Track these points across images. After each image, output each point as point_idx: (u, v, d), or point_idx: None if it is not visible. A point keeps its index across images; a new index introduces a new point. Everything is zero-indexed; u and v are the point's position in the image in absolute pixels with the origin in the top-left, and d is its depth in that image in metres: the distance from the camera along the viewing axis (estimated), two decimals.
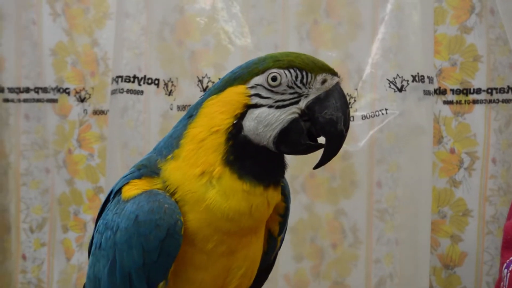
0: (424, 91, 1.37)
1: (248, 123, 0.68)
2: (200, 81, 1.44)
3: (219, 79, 0.74)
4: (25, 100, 1.66)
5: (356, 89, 1.41)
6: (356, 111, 1.39)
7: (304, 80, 0.67)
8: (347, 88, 1.43)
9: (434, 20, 1.43)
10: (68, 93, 1.64)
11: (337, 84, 0.69)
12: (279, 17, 1.47)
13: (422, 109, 1.38)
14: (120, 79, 1.44)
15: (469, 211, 1.49)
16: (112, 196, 0.76)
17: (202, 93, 1.43)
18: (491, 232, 1.48)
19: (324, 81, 0.68)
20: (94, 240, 0.77)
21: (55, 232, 1.68)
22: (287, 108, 0.67)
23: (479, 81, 1.49)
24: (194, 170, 0.67)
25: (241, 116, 0.68)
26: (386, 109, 1.37)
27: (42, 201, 1.68)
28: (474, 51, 1.49)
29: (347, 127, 0.68)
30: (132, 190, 0.71)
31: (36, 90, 1.65)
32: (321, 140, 0.71)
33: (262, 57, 0.71)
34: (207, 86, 1.44)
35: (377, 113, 1.38)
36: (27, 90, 1.66)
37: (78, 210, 1.65)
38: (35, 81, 1.65)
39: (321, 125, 0.67)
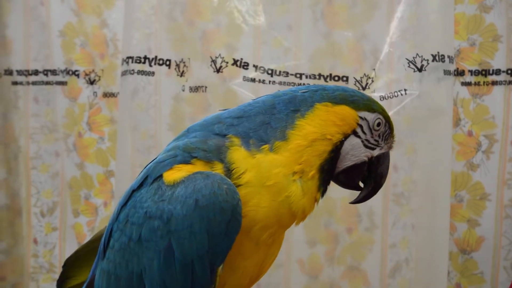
0: (444, 71, 1.33)
1: (347, 145, 0.74)
2: (214, 61, 1.42)
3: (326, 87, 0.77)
4: (34, 83, 1.64)
5: (374, 69, 1.38)
6: (374, 92, 1.36)
7: (387, 137, 0.78)
8: (363, 69, 1.40)
9: None
10: (78, 76, 1.62)
11: None
12: None
13: (442, 89, 1.34)
14: (130, 60, 1.42)
15: (486, 195, 1.46)
16: (147, 182, 0.71)
17: (216, 74, 1.42)
18: (509, 216, 1.45)
19: (392, 143, 0.79)
20: (120, 234, 0.71)
21: (66, 216, 1.67)
22: (368, 149, 0.76)
23: (499, 61, 1.45)
24: (294, 166, 0.70)
25: (346, 136, 0.74)
26: (405, 90, 1.34)
27: (53, 185, 1.67)
28: (493, 31, 1.44)
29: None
30: (176, 173, 0.68)
31: (45, 72, 1.63)
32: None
33: (371, 98, 0.78)
34: (220, 67, 1.41)
35: (395, 93, 1.35)
36: (35, 72, 1.63)
37: (89, 194, 1.64)
38: (44, 63, 1.63)
39: (376, 175, 0.78)
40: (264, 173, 0.68)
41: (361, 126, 0.75)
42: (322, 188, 0.73)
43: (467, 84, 1.47)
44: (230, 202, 0.64)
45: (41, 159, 1.67)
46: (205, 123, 0.75)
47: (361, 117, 0.75)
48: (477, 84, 1.46)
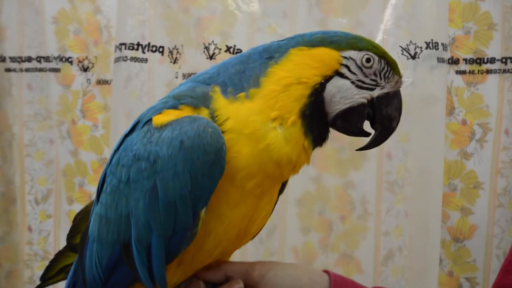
0: (438, 58, 1.33)
1: (331, 88, 0.70)
2: (207, 48, 1.41)
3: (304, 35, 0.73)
4: (27, 70, 1.63)
5: None
6: None
7: (387, 74, 0.72)
8: None
9: None
10: (71, 62, 1.61)
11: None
12: None
13: (436, 77, 1.34)
14: (123, 47, 1.41)
15: (480, 184, 1.47)
16: (138, 126, 0.73)
17: (209, 60, 1.42)
18: (502, 205, 1.45)
19: (397, 82, 0.73)
20: (112, 177, 0.73)
21: (61, 203, 1.67)
22: (363, 91, 0.71)
23: (493, 50, 1.44)
24: (270, 113, 0.69)
25: (327, 79, 0.71)
26: None
27: (47, 172, 1.67)
28: (488, 19, 1.43)
29: (396, 126, 0.75)
30: (164, 117, 0.70)
31: (39, 59, 1.62)
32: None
33: (358, 36, 0.73)
34: (213, 53, 1.41)
35: None
36: (29, 59, 1.63)
37: (83, 182, 1.64)
38: (38, 50, 1.62)
39: (382, 117, 0.73)
40: (242, 121, 0.68)
41: (347, 67, 0.71)
42: (311, 135, 0.70)
43: (462, 72, 1.46)
44: (214, 145, 0.65)
45: (35, 147, 1.67)
46: (193, 77, 0.76)
47: (345, 57, 0.71)
48: (471, 72, 1.46)
